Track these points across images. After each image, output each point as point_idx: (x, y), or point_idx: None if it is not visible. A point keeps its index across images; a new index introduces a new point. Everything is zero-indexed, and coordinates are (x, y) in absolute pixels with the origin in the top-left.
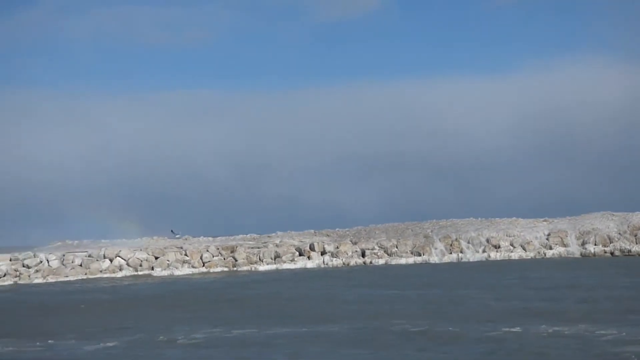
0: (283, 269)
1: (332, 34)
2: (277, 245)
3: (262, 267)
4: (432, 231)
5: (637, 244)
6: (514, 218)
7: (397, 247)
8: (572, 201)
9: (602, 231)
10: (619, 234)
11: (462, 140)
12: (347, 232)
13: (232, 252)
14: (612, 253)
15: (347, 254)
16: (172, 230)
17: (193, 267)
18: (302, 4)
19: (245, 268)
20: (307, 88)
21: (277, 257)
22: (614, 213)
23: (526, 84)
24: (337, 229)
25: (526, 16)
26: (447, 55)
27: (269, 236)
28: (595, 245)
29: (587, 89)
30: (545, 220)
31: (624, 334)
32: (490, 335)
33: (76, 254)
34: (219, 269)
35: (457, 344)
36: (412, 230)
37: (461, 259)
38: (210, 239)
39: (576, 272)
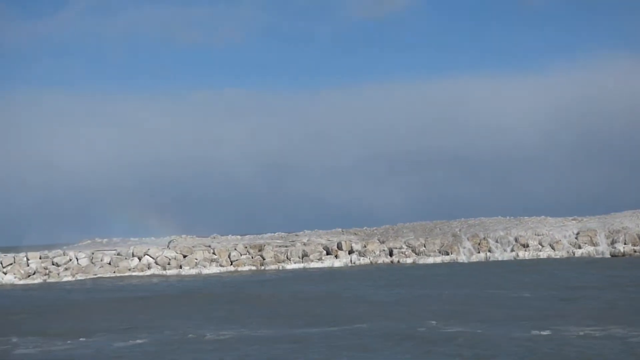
0: (310, 268)
1: (358, 34)
2: (304, 244)
3: (290, 266)
4: (460, 230)
5: None
6: (543, 217)
7: (425, 246)
8: (603, 200)
9: (632, 230)
10: None
11: (491, 138)
12: (375, 231)
13: (259, 250)
14: None
15: (375, 253)
16: None
17: (221, 265)
18: (331, 4)
19: (272, 267)
20: (333, 88)
21: (304, 255)
22: None
23: (557, 81)
24: (364, 228)
25: (557, 15)
26: (475, 54)
27: (296, 235)
28: (625, 244)
29: (619, 87)
30: (574, 219)
31: None
32: (526, 336)
33: (105, 252)
34: (246, 268)
35: (489, 347)
36: (440, 229)
37: (489, 258)
38: (239, 237)
39: (606, 272)
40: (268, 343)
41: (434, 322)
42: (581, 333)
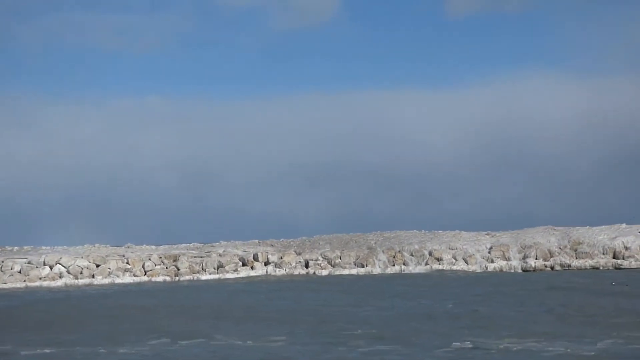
0: (226, 279)
1: (282, 44)
2: (220, 255)
3: (205, 277)
4: (375, 243)
5: (576, 258)
6: (458, 231)
7: (340, 258)
8: (516, 215)
9: (544, 245)
10: (560, 248)
11: (409, 153)
12: (292, 243)
13: (174, 260)
14: (552, 267)
15: (291, 265)
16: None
17: (135, 275)
18: (257, 14)
19: (187, 277)
20: (256, 98)
21: (220, 266)
22: (556, 227)
23: (475, 98)
24: (281, 239)
25: (478, 32)
26: (395, 68)
27: (212, 245)
28: (536, 259)
29: (535, 105)
30: (488, 234)
31: (569, 350)
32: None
33: (15, 260)
34: (160, 278)
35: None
36: (356, 242)
37: (404, 270)
38: (154, 247)
39: (496, 287)
40: (188, 355)
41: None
42: (501, 347)
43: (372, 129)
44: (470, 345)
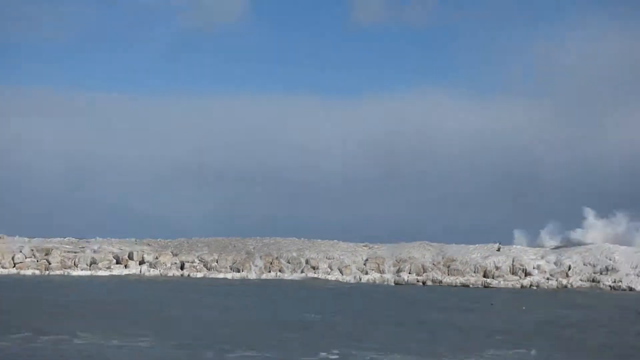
0: (98, 276)
1: (186, 43)
2: (94, 252)
3: (76, 273)
4: (254, 248)
5: (449, 275)
6: (336, 241)
7: (217, 262)
8: (396, 229)
9: (418, 260)
10: (433, 264)
11: (297, 159)
12: (169, 243)
13: (46, 254)
14: (424, 282)
15: (166, 265)
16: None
17: (3, 267)
18: (162, 12)
19: (58, 272)
20: (149, 94)
21: (93, 263)
22: (432, 243)
23: (370, 109)
24: (159, 239)
25: (380, 42)
26: (292, 73)
27: (87, 241)
28: (409, 273)
29: (425, 121)
30: (365, 246)
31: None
32: None
33: None
34: (29, 272)
35: None
36: (234, 246)
37: (279, 277)
38: (26, 239)
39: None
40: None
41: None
42: (367, 358)
43: (261, 133)
44: (336, 356)
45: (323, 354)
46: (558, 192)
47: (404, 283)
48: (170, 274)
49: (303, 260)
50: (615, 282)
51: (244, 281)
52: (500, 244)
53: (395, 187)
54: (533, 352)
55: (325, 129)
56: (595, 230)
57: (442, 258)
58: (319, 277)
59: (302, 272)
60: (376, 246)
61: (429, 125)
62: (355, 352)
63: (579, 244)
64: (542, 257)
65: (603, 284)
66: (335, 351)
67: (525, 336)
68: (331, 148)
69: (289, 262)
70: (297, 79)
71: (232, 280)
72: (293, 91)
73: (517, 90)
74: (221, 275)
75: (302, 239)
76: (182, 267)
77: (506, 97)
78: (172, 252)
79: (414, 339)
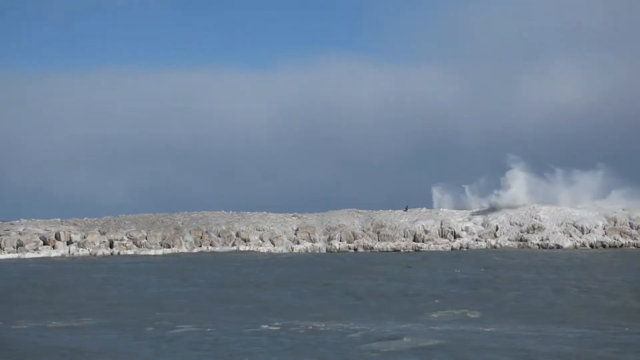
0: (25, 258)
1: (88, 17)
2: (20, 234)
3: (3, 256)
4: (182, 223)
5: (379, 240)
6: (265, 212)
7: (146, 239)
8: (323, 198)
9: (348, 228)
10: (363, 230)
11: (219, 131)
12: (96, 222)
13: None
14: (355, 249)
15: (95, 244)
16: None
17: None
18: None
19: None
20: (58, 70)
21: (19, 245)
22: (360, 210)
23: (288, 79)
24: (85, 218)
25: (292, 11)
26: (208, 46)
27: (11, 223)
28: (340, 241)
29: (341, 89)
30: (294, 216)
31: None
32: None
33: None
34: None
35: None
36: (162, 222)
37: (210, 251)
38: None
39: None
40: None
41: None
42: (310, 327)
43: (181, 106)
44: (278, 327)
45: (264, 327)
46: (477, 154)
47: (335, 251)
48: (99, 253)
49: (233, 233)
50: (542, 240)
51: (176, 257)
52: (407, 206)
53: (316, 155)
54: (474, 314)
55: (245, 101)
56: (517, 190)
57: (372, 224)
58: (251, 249)
59: (233, 245)
60: (305, 216)
61: (343, 92)
62: (298, 322)
63: (506, 206)
64: (470, 220)
65: (531, 243)
66: (277, 323)
67: (462, 298)
68: (251, 119)
69: (219, 236)
70: (212, 51)
71: (164, 256)
72: (208, 64)
73: (428, 54)
74: (152, 252)
75: (231, 212)
76: (111, 246)
77: (417, 62)
78: (99, 231)
79: (354, 307)
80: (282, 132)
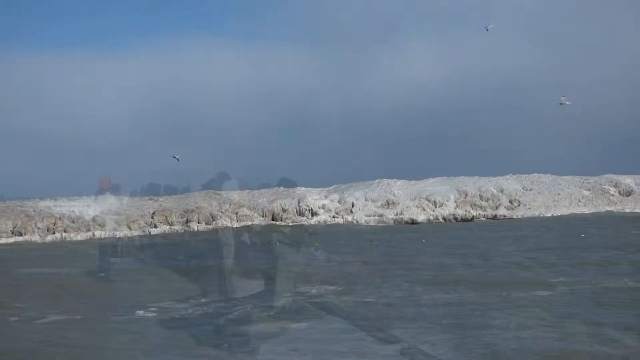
0: None
1: None
2: None
3: None
4: (34, 211)
5: (237, 221)
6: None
7: None
8: (180, 181)
9: (206, 209)
10: (222, 212)
11: (72, 118)
12: None
13: None
14: (215, 231)
15: None
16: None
17: None
18: None
19: None
20: None
21: None
22: (218, 192)
23: (141, 63)
24: None
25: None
26: (51, 27)
27: None
28: (199, 223)
29: (197, 72)
30: (151, 199)
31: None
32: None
33: None
34: None
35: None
36: (12, 210)
37: (65, 238)
38: None
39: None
40: None
41: None
42: (189, 310)
43: (29, 92)
44: (154, 313)
45: (140, 312)
46: (336, 133)
47: (194, 233)
48: None
49: (88, 219)
50: (397, 215)
51: (27, 245)
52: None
53: (174, 140)
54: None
55: (97, 86)
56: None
57: (230, 205)
58: (107, 234)
59: (88, 230)
60: (161, 199)
61: (199, 75)
62: (178, 306)
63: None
64: (326, 197)
65: (386, 218)
66: (153, 307)
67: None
68: (104, 105)
69: (72, 222)
70: (56, 35)
71: (15, 244)
72: (60, 48)
73: (283, 36)
74: (3, 241)
75: (84, 197)
76: None
77: (274, 44)
78: None
79: (230, 286)
80: (138, 118)
